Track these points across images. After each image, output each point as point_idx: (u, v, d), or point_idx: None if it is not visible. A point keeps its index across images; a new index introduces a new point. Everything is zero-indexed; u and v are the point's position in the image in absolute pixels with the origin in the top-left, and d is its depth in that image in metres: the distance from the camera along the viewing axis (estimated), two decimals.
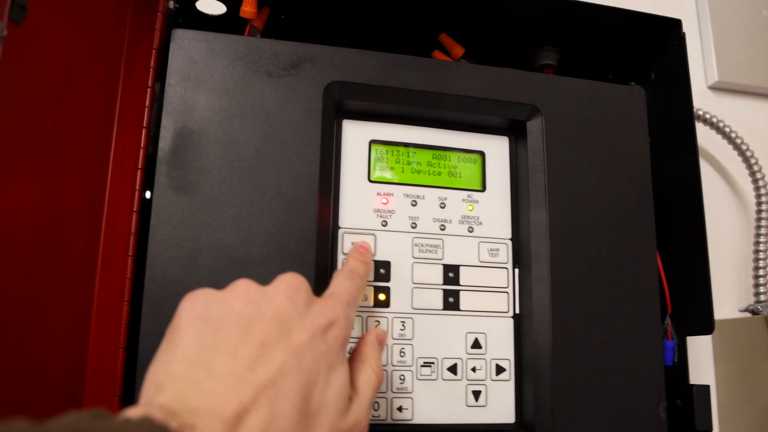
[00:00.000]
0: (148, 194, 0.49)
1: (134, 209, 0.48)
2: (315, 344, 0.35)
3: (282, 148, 0.48)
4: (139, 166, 0.48)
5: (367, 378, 0.39)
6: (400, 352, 0.49)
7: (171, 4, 0.53)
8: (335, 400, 0.34)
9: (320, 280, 0.47)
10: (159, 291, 0.44)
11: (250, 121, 0.48)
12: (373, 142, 0.53)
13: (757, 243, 0.69)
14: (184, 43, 0.48)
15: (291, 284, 0.37)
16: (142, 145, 0.48)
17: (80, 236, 0.47)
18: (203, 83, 0.48)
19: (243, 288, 0.36)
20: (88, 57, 0.49)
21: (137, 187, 0.48)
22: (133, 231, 0.47)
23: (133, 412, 0.27)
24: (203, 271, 0.45)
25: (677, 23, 0.58)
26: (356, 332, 0.49)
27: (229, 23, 0.58)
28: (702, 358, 0.69)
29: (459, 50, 0.60)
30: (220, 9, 0.58)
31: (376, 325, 0.49)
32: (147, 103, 0.49)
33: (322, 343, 0.35)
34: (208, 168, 0.47)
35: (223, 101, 0.48)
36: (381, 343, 0.43)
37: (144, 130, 0.49)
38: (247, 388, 0.30)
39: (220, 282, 0.44)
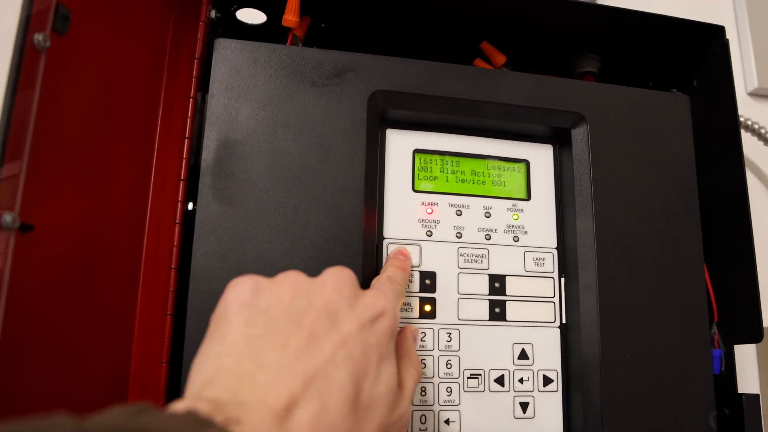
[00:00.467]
0: (190, 206, 0.49)
1: (177, 221, 0.47)
2: (365, 335, 0.34)
3: (327, 158, 0.47)
4: (182, 177, 0.48)
5: (409, 373, 0.38)
6: (447, 363, 0.48)
7: (213, 14, 0.53)
8: (385, 393, 0.34)
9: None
10: (203, 304, 0.44)
11: (294, 131, 0.47)
12: (417, 151, 0.52)
13: None
14: (227, 52, 0.48)
15: (339, 276, 0.37)
16: (184, 156, 0.48)
17: (123, 249, 0.47)
18: (246, 93, 0.48)
19: (292, 278, 0.36)
20: (131, 67, 0.48)
21: (180, 199, 0.48)
22: (175, 243, 0.47)
23: (178, 406, 0.26)
24: None
25: (720, 30, 0.57)
26: None
27: (269, 32, 0.58)
28: (745, 366, 0.67)
29: (501, 58, 0.60)
30: (261, 18, 0.58)
31: (423, 336, 0.48)
32: (189, 113, 0.49)
33: (372, 335, 0.35)
34: (252, 179, 0.46)
35: (267, 111, 0.47)
36: (415, 340, 0.43)
37: (186, 141, 0.48)
38: (297, 379, 0.30)
39: None
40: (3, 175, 0.35)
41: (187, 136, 0.48)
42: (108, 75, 0.46)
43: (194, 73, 0.49)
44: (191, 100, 0.49)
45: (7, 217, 0.34)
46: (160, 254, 0.48)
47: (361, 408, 0.32)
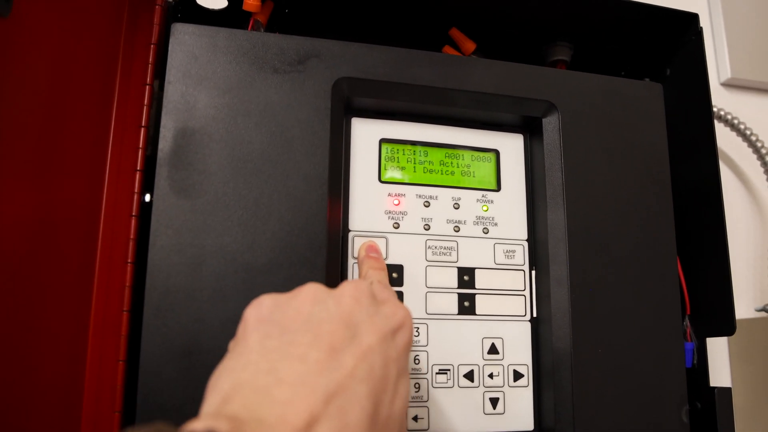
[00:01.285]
0: (147, 197, 0.47)
1: (133, 213, 0.45)
2: (385, 348, 0.33)
3: (289, 148, 0.46)
4: (138, 168, 0.46)
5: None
6: (415, 359, 0.47)
7: None
8: (401, 410, 0.33)
9: (331, 285, 0.45)
10: (161, 300, 0.42)
11: (255, 120, 0.46)
12: (383, 140, 0.50)
13: None
14: (185, 38, 0.46)
15: (358, 287, 0.35)
16: (140, 146, 0.46)
17: (76, 243, 0.44)
18: (205, 80, 0.46)
19: (310, 290, 0.35)
20: (83, 52, 0.46)
21: (136, 190, 0.45)
22: (132, 236, 0.45)
23: (197, 426, 0.25)
24: (207, 278, 0.43)
25: (694, 17, 0.56)
26: None
27: (230, 18, 0.56)
28: (716, 359, 0.67)
29: (470, 45, 0.58)
30: (221, 3, 0.56)
31: None
32: (146, 101, 0.47)
33: (392, 348, 0.33)
34: (211, 169, 0.44)
35: (227, 99, 0.46)
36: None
37: (142, 130, 0.46)
38: (317, 395, 0.28)
39: (225, 290, 0.42)
40: None
41: (143, 125, 0.46)
42: (58, 60, 0.43)
43: (150, 60, 0.47)
44: (147, 87, 0.47)
45: None
46: (116, 248, 0.46)
47: (378, 425, 0.30)
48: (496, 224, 0.51)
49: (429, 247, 0.49)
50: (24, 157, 0.40)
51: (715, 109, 0.70)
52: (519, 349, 0.49)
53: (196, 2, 0.55)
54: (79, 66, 0.45)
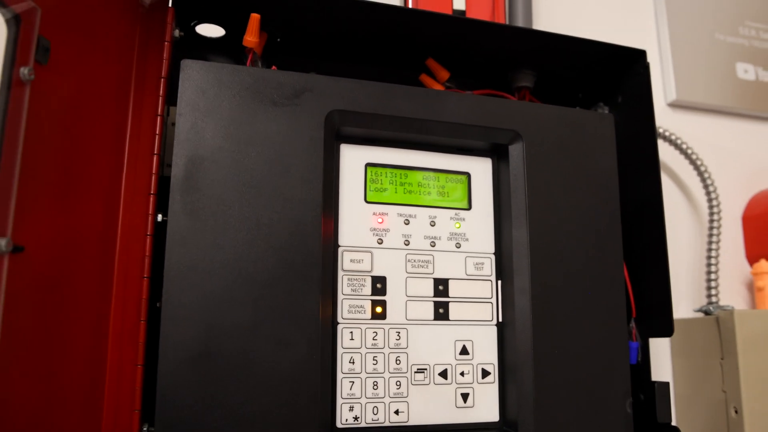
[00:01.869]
0: (159, 218, 0.52)
1: (148, 233, 0.51)
2: None
3: (287, 173, 0.51)
4: (152, 192, 0.51)
5: None
6: (396, 360, 0.54)
7: (176, 33, 0.56)
8: None
9: (325, 295, 0.51)
10: (176, 311, 0.47)
11: (257, 148, 0.51)
12: (368, 165, 0.57)
13: (710, 250, 0.76)
14: (193, 73, 0.51)
15: None
16: (154, 172, 0.52)
17: (96, 261, 0.50)
18: (212, 113, 0.51)
19: None
20: (100, 88, 0.51)
21: (150, 212, 0.51)
22: (147, 254, 0.50)
23: None
24: (217, 290, 0.48)
25: (642, 54, 0.63)
26: (355, 343, 0.53)
27: (227, 45, 0.62)
28: (659, 355, 0.75)
29: (444, 74, 0.65)
30: (219, 32, 0.61)
31: (374, 336, 0.53)
32: (157, 130, 0.52)
33: None
34: (218, 193, 0.50)
35: (231, 129, 0.51)
36: None
37: (155, 157, 0.52)
38: None
39: (233, 300, 0.48)
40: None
41: (156, 152, 0.52)
42: (80, 97, 0.48)
43: (161, 92, 0.52)
44: (159, 118, 0.52)
45: (1, 242, 0.38)
46: (131, 265, 0.51)
47: None
48: (467, 239, 0.58)
49: (409, 261, 0.56)
50: (53, 187, 0.45)
51: (660, 130, 0.78)
52: (486, 350, 0.56)
53: (196, 32, 0.61)
54: (96, 100, 0.51)
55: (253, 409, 0.48)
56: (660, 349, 0.75)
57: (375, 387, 0.53)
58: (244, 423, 0.47)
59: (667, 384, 0.60)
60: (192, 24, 0.60)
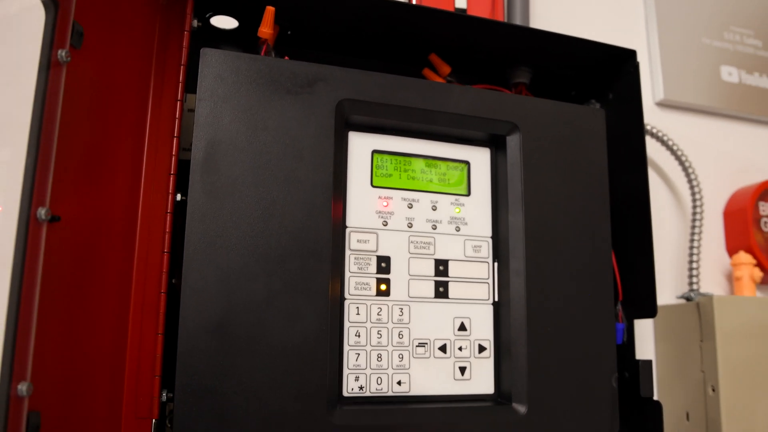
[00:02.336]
0: (179, 197, 0.55)
1: (168, 210, 0.54)
2: None
3: (300, 158, 0.55)
4: (172, 172, 0.54)
5: None
6: (399, 334, 0.57)
7: (195, 23, 0.59)
8: None
9: (335, 273, 0.54)
10: (195, 283, 0.50)
11: (272, 134, 0.54)
12: (375, 151, 0.60)
13: (692, 240, 0.80)
14: (212, 61, 0.55)
15: None
16: (173, 153, 0.55)
17: (120, 234, 0.53)
18: (230, 99, 0.54)
19: None
20: (124, 73, 0.54)
21: (170, 191, 0.54)
22: (167, 230, 0.53)
23: None
24: (234, 265, 0.51)
25: (632, 54, 0.67)
26: (361, 317, 0.56)
27: (240, 36, 0.65)
28: (644, 338, 0.79)
29: (446, 69, 0.68)
30: (233, 24, 0.64)
31: (379, 312, 0.57)
32: (177, 114, 0.55)
33: None
34: (235, 174, 0.53)
35: (248, 115, 0.54)
36: None
37: (175, 140, 0.55)
38: None
39: (249, 275, 0.51)
40: (37, 174, 0.41)
41: (175, 135, 0.55)
42: (106, 82, 0.52)
43: (181, 79, 0.56)
44: (178, 102, 0.55)
45: (41, 211, 0.41)
46: (152, 241, 0.55)
47: None
48: (466, 223, 0.61)
49: (411, 242, 0.59)
50: (83, 164, 0.48)
51: (648, 127, 0.82)
52: (483, 327, 0.60)
53: (211, 24, 0.64)
54: (121, 86, 0.54)
55: (266, 378, 0.51)
56: (643, 334, 0.79)
57: (379, 359, 0.56)
58: (257, 390, 0.50)
59: (650, 362, 0.64)
60: (207, 15, 0.63)
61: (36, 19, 0.44)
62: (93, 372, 0.49)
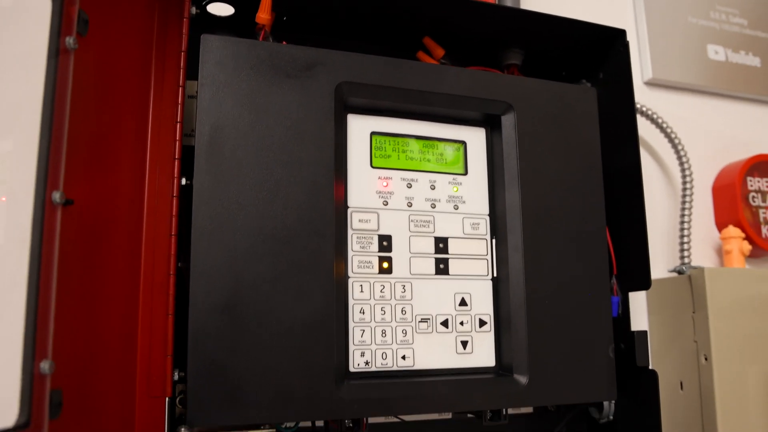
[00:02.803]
0: (184, 181, 0.56)
1: (174, 194, 0.55)
2: None
3: (301, 140, 0.56)
4: (176, 156, 0.55)
5: None
6: (402, 310, 0.59)
7: (193, 10, 0.60)
8: None
9: (338, 252, 0.56)
10: (204, 263, 0.52)
11: (273, 117, 0.56)
12: (373, 133, 0.61)
13: (683, 215, 0.82)
14: (212, 47, 0.56)
15: None
16: (177, 138, 0.56)
17: (127, 219, 0.54)
18: (231, 84, 0.55)
19: None
20: (125, 60, 0.55)
21: (176, 175, 0.55)
22: (174, 213, 0.55)
23: None
24: (240, 246, 0.53)
25: (622, 33, 0.69)
26: (365, 295, 0.58)
27: (236, 23, 0.66)
28: (637, 312, 0.81)
29: (440, 51, 0.69)
30: (229, 11, 0.65)
31: (382, 289, 0.58)
32: (179, 100, 0.56)
33: None
34: (239, 157, 0.54)
35: (249, 99, 0.55)
36: None
37: (178, 125, 0.56)
38: None
39: (255, 255, 0.53)
40: (51, 159, 0.42)
41: (178, 120, 0.56)
42: (110, 69, 0.53)
43: (182, 64, 0.57)
44: (180, 89, 0.56)
45: (56, 195, 0.42)
46: (159, 224, 0.56)
47: None
48: (464, 202, 0.63)
49: (412, 221, 0.61)
50: (89, 146, 0.49)
51: (638, 106, 0.84)
52: (483, 302, 0.62)
53: (207, 11, 0.65)
54: (122, 73, 0.55)
55: (275, 355, 0.52)
56: (636, 308, 0.81)
57: (383, 335, 0.58)
58: (266, 367, 0.52)
59: (645, 332, 0.66)
60: (203, 2, 0.64)
61: (38, 8, 0.45)
62: (107, 352, 0.50)
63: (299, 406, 0.52)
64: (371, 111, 0.62)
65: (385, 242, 0.60)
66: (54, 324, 0.41)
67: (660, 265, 0.85)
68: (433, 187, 0.62)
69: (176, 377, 0.54)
